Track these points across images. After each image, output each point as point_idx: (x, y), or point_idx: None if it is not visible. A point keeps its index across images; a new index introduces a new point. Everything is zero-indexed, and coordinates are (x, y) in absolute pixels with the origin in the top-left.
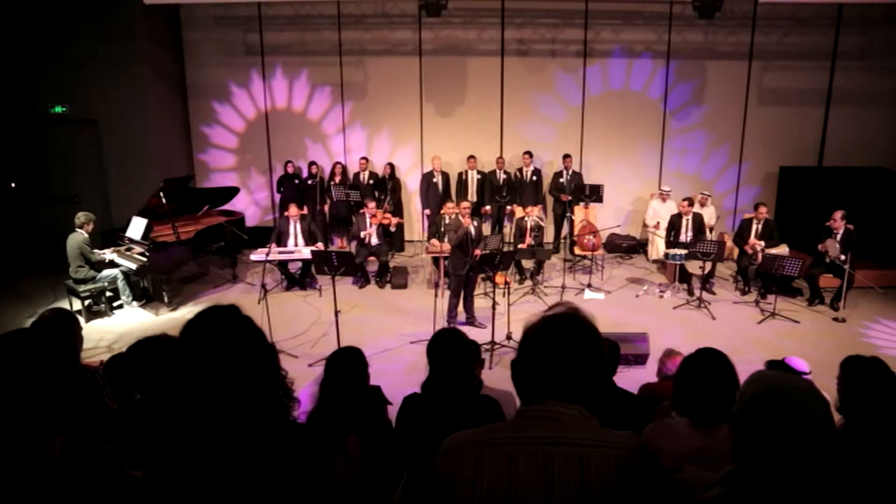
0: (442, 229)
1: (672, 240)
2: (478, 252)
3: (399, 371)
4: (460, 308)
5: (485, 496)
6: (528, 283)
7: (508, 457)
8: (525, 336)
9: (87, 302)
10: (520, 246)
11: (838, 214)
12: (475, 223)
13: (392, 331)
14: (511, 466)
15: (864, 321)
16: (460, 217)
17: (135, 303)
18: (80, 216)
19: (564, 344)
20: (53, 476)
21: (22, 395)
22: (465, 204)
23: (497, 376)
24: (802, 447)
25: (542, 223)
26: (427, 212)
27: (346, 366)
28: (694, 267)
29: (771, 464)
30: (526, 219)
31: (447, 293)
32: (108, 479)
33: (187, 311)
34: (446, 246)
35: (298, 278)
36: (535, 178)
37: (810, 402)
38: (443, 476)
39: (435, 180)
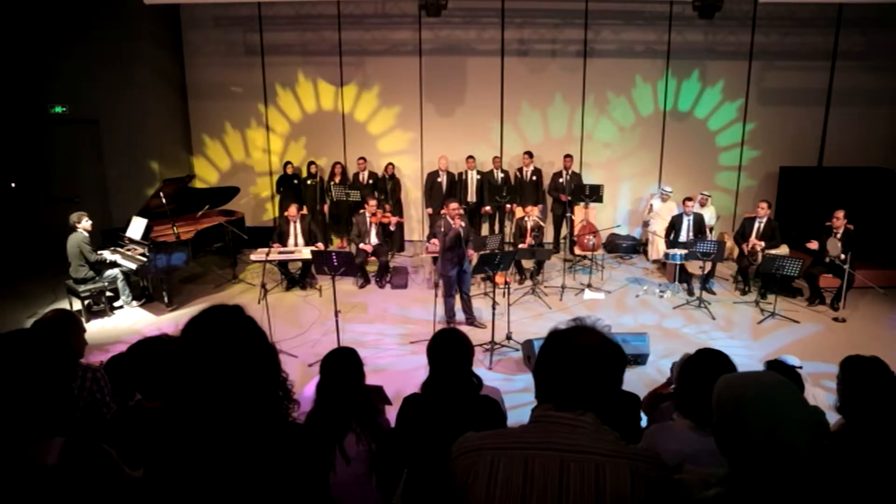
0: (438, 230)
1: (672, 240)
2: (471, 252)
3: (399, 371)
4: (459, 306)
5: (498, 499)
6: (528, 283)
7: (524, 461)
8: (550, 344)
9: (87, 302)
10: (520, 246)
11: (840, 213)
12: (464, 224)
13: (392, 331)
14: (526, 471)
15: (869, 320)
16: (449, 219)
17: (135, 303)
18: (73, 216)
19: (589, 355)
20: (51, 478)
21: (19, 396)
22: (453, 205)
23: (497, 377)
24: (787, 448)
25: (541, 223)
26: (429, 211)
27: (341, 366)
28: (694, 267)
29: (757, 467)
30: (526, 219)
31: None
32: (108, 480)
33: (187, 311)
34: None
35: (298, 278)
36: (535, 178)
37: (791, 401)
38: (457, 477)
39: (439, 180)
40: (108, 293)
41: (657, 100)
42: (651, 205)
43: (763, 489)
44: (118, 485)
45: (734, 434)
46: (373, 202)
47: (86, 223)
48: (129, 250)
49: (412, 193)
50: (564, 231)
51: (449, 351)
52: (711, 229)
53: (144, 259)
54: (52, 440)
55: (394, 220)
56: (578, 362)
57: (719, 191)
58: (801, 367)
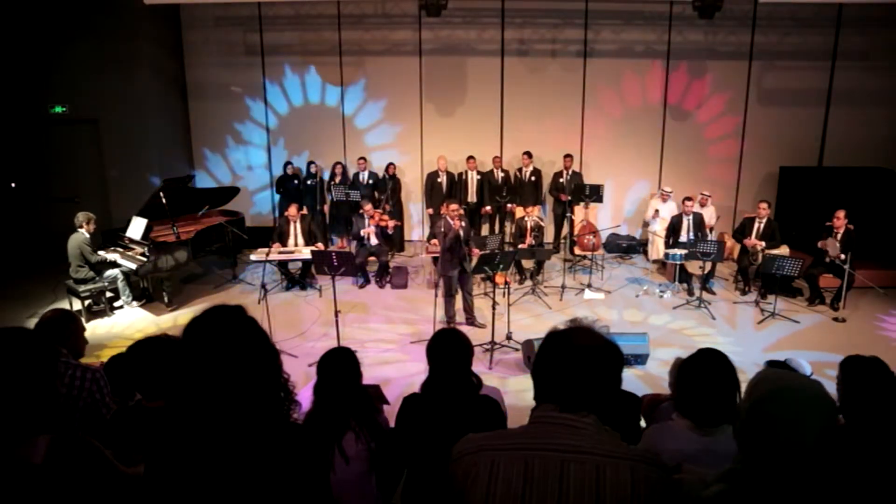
0: (439, 230)
1: (672, 240)
2: (476, 251)
3: (399, 371)
4: (459, 307)
5: (499, 500)
6: (528, 283)
7: (524, 462)
8: (548, 345)
9: (87, 302)
10: (520, 246)
11: (841, 213)
12: (464, 224)
13: (392, 331)
14: (526, 472)
15: (870, 320)
16: (449, 219)
17: (135, 303)
18: (80, 216)
19: (588, 356)
20: (38, 476)
21: (3, 394)
22: (453, 206)
23: (497, 377)
24: (809, 447)
25: (542, 223)
26: (430, 211)
27: (338, 367)
28: (694, 267)
29: (776, 462)
30: (526, 219)
31: None
32: (97, 476)
33: (187, 311)
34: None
35: (298, 278)
36: (534, 178)
37: (819, 403)
38: (458, 479)
39: (439, 180)
40: (108, 293)
41: (658, 99)
42: (657, 210)
43: (768, 484)
44: (108, 480)
45: (757, 422)
46: (368, 206)
47: (90, 226)
48: (129, 250)
49: (412, 194)
50: (565, 231)
51: (449, 351)
52: (711, 229)
53: (144, 259)
54: (38, 438)
55: (391, 223)
56: (578, 364)
57: (719, 186)
58: (810, 375)
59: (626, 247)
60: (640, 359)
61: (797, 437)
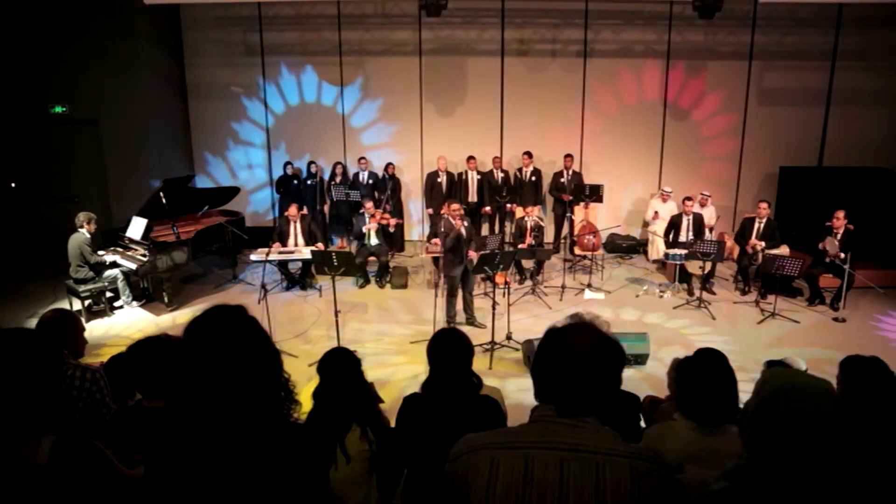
0: (440, 230)
1: (672, 240)
2: (472, 252)
3: (399, 371)
4: (460, 307)
5: (498, 499)
6: (528, 283)
7: (524, 460)
8: (547, 345)
9: (87, 302)
10: (520, 246)
11: (841, 213)
12: (466, 224)
13: (392, 331)
14: (526, 470)
15: (869, 320)
16: (451, 219)
17: (135, 303)
18: (81, 216)
19: (588, 358)
20: (42, 477)
21: (5, 395)
22: (454, 206)
23: (496, 377)
24: (816, 445)
25: (542, 223)
26: (430, 211)
27: (339, 367)
28: (694, 267)
29: (783, 459)
30: (526, 219)
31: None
32: (100, 477)
33: (187, 311)
34: None
35: (298, 278)
36: (534, 178)
37: (827, 401)
38: (458, 477)
39: (439, 180)
40: (108, 293)
41: (657, 98)
42: (656, 211)
43: (774, 481)
44: (110, 481)
45: (766, 420)
46: (369, 204)
47: (91, 226)
48: (129, 250)
49: (412, 194)
50: (565, 231)
51: (449, 351)
52: (711, 229)
53: (144, 259)
54: (42, 439)
55: (392, 221)
56: (577, 366)
57: (719, 186)
58: (805, 371)
59: (626, 247)
60: (640, 359)
61: (805, 434)
